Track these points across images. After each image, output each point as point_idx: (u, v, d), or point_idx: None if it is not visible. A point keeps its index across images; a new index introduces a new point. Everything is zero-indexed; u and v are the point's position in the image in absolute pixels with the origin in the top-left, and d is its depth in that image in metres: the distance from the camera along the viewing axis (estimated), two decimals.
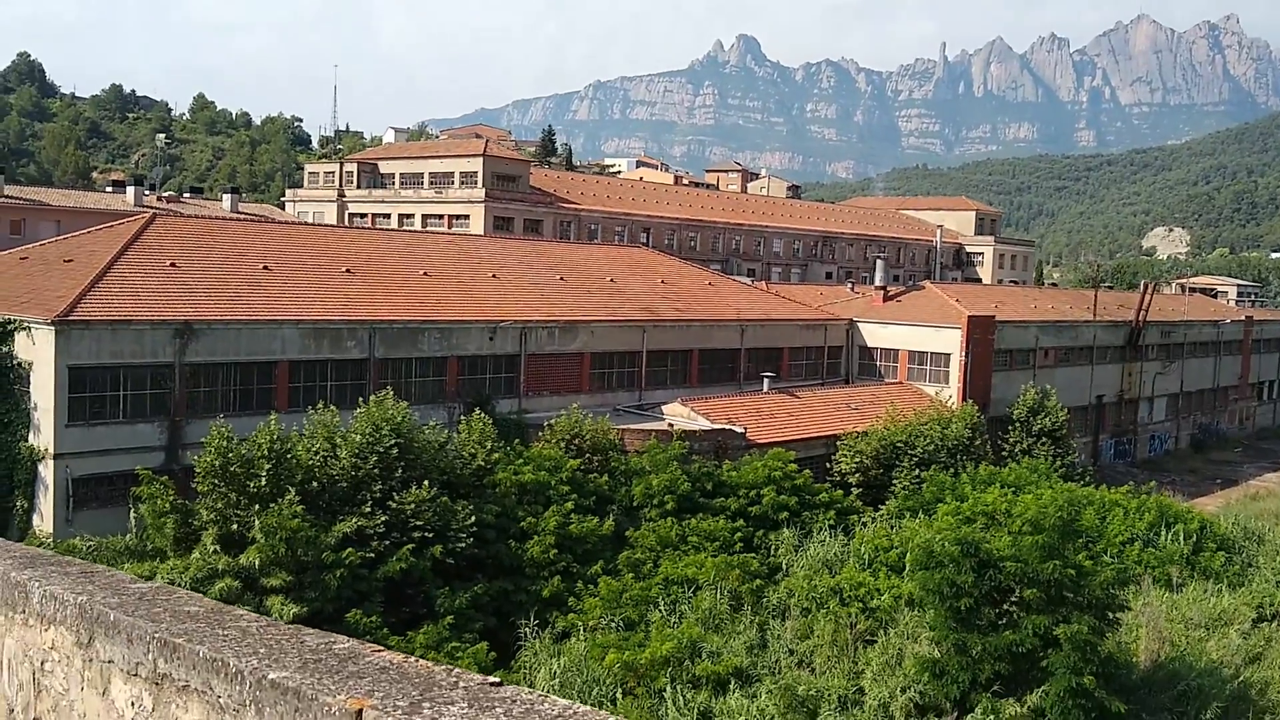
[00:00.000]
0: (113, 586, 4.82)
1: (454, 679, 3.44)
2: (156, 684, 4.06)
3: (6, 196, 69.33)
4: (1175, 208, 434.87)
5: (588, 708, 3.22)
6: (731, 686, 30.43)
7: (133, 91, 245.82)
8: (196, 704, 3.82)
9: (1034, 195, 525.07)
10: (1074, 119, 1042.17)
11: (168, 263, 42.19)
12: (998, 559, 28.93)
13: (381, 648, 4.07)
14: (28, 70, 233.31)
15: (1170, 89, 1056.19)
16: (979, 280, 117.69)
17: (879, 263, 73.65)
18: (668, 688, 30.08)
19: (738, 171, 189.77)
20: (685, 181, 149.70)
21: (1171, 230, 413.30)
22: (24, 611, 5.00)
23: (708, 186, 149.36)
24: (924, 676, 28.86)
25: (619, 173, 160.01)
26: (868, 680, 30.52)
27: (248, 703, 3.56)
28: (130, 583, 4.88)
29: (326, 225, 74.91)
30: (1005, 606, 29.40)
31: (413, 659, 3.68)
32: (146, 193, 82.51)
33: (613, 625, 34.28)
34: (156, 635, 4.05)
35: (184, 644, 3.88)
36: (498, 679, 3.36)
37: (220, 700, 3.68)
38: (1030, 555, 28.68)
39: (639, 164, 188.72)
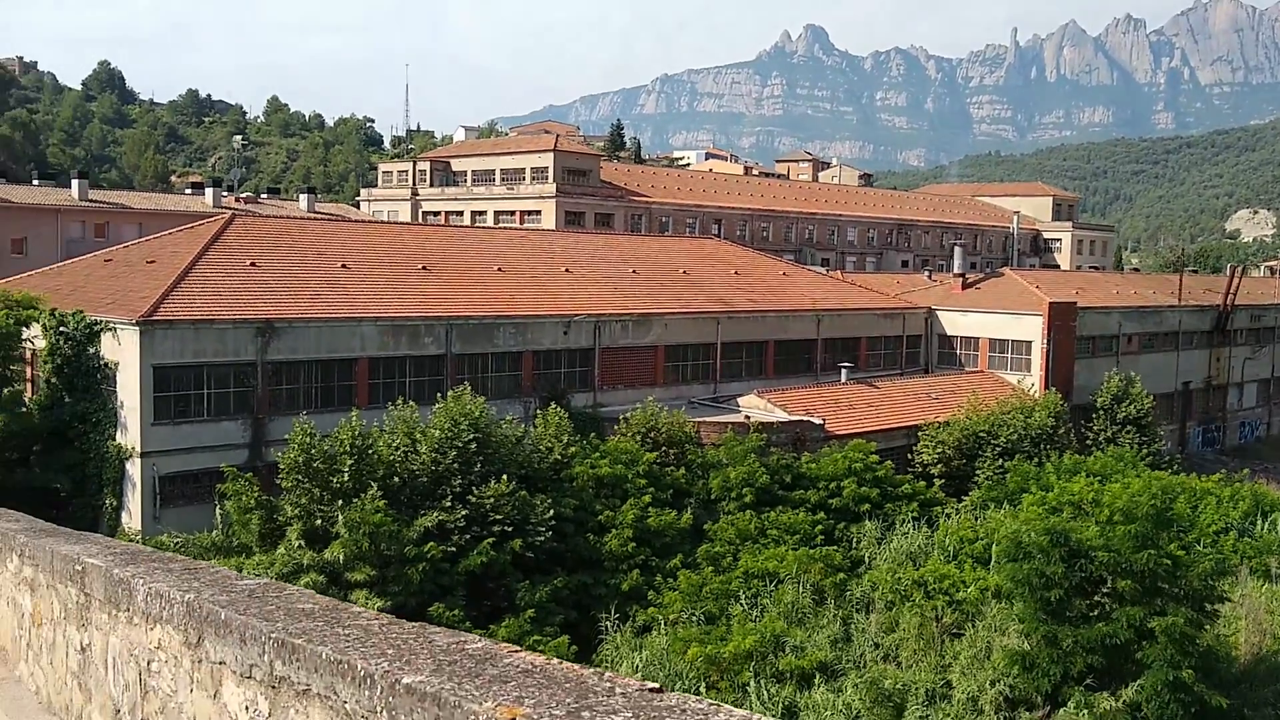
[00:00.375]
0: (219, 583, 4.67)
1: (608, 684, 3.18)
2: (273, 687, 3.86)
3: (91, 201, 70.86)
4: (1260, 189, 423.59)
5: (759, 716, 2.94)
6: (816, 681, 30.08)
7: (208, 96, 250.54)
8: (319, 710, 3.59)
9: (1110, 180, 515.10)
10: (1151, 101, 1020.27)
11: (248, 262, 42.71)
12: (1088, 549, 28.26)
13: (518, 648, 3.84)
14: (108, 79, 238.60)
15: (1253, 68, 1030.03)
16: (1057, 267, 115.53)
17: (957, 250, 72.53)
18: (751, 682, 29.82)
19: (808, 161, 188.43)
20: (755, 172, 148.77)
21: (1256, 212, 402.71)
22: (128, 610, 4.89)
23: (778, 177, 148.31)
24: (1014, 669, 28.28)
25: (688, 165, 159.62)
26: (955, 674, 29.98)
27: (379, 709, 3.28)
28: (237, 579, 4.73)
29: (402, 223, 75.52)
30: (1097, 598, 28.71)
31: (555, 661, 3.44)
32: (225, 194, 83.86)
33: (693, 619, 34.07)
34: (273, 635, 3.84)
35: (304, 645, 3.64)
36: (657, 685, 3.09)
37: (347, 706, 3.43)
38: (1123, 545, 27.95)
39: (708, 155, 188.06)
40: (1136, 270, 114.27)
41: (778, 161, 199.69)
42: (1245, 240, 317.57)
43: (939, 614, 32.76)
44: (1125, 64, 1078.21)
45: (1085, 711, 26.66)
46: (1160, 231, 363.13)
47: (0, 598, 8.07)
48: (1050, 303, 60.98)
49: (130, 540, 32.75)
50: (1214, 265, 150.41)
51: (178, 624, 4.36)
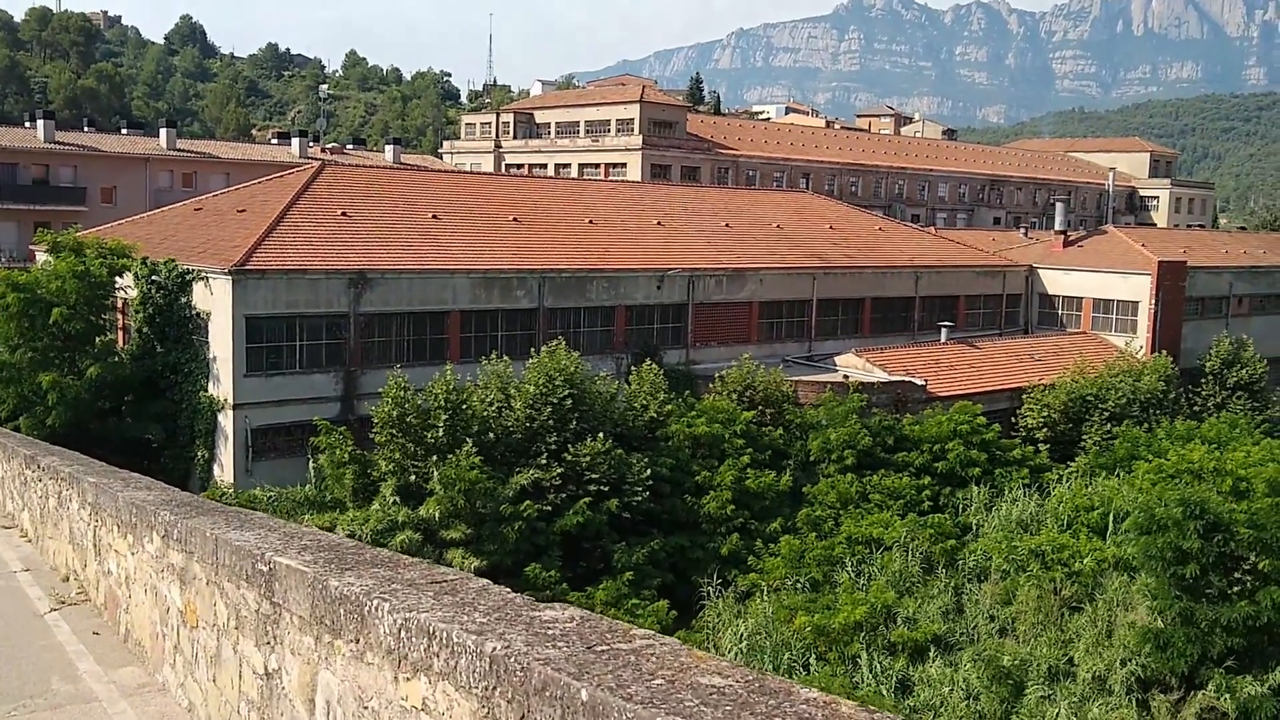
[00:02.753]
0: (521, 621, 3.19)
1: None
2: None
3: (178, 150, 70.74)
4: None
5: None
6: (930, 654, 28.74)
7: (287, 50, 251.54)
8: None
9: (1199, 138, 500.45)
10: (1243, 56, 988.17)
11: (338, 212, 41.88)
12: (1228, 523, 26.49)
13: (809, 689, 2.63)
14: (189, 32, 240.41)
15: None
16: (1153, 225, 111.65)
17: (1058, 206, 69.84)
18: (862, 654, 28.57)
19: (890, 116, 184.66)
20: (837, 127, 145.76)
21: None
22: (358, 642, 3.66)
23: (860, 131, 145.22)
24: (1146, 648, 26.69)
25: (768, 119, 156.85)
26: (1079, 651, 28.45)
27: None
28: (536, 611, 3.26)
29: (491, 174, 74.46)
30: (1237, 575, 26.97)
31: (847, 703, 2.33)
32: (311, 144, 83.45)
33: (796, 586, 32.85)
34: None
35: None
36: None
37: None
38: (1269, 520, 26.17)
39: (788, 110, 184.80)
40: (1243, 229, 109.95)
41: (858, 116, 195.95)
42: None
43: (1057, 586, 31.21)
44: (1216, 17, 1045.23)
45: (1228, 696, 25.04)
46: (1251, 191, 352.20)
47: (135, 583, 7.00)
48: (1160, 261, 58.40)
49: (222, 494, 32.24)
50: None
51: (470, 686, 3.01)
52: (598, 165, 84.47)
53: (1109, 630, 28.86)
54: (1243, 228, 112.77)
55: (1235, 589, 26.57)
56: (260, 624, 4.65)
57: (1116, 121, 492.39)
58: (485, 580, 3.68)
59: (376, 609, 3.51)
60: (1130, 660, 26.85)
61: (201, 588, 5.54)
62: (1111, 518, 35.32)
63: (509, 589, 3.57)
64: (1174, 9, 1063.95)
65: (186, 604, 5.78)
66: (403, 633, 3.35)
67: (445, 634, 3.14)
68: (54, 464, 9.95)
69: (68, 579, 9.39)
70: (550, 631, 2.96)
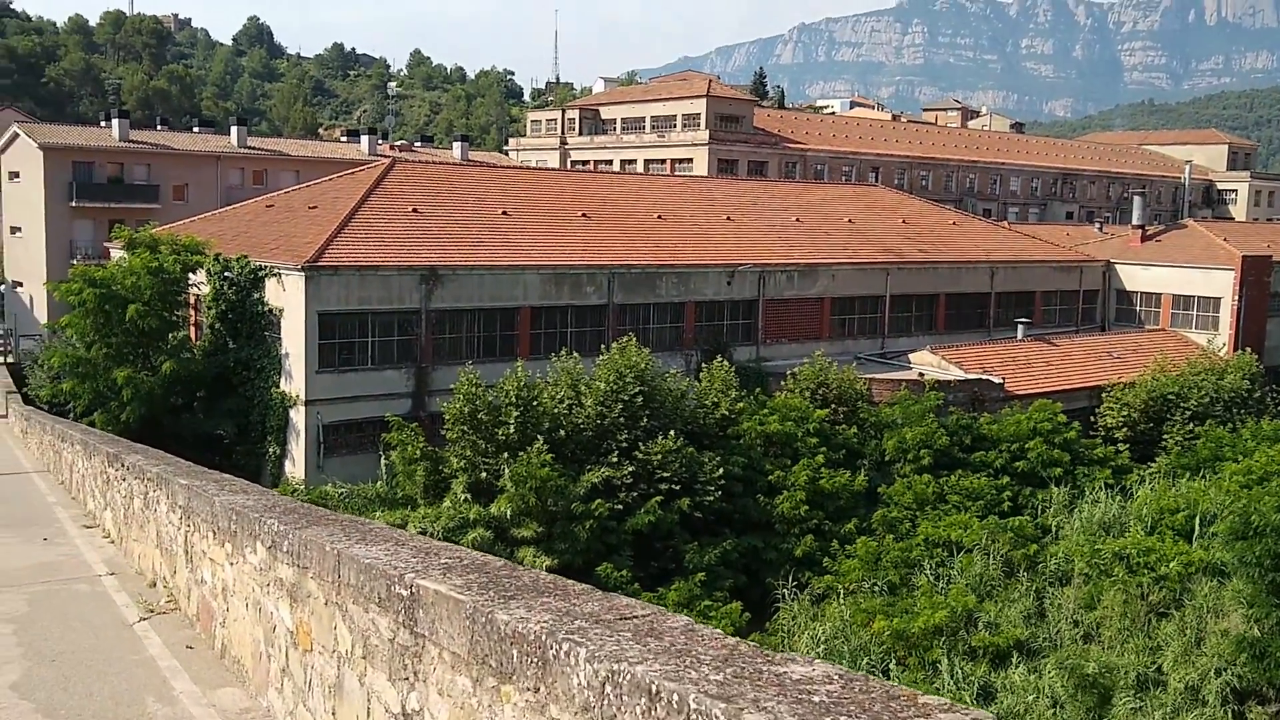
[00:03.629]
0: (770, 680, 2.65)
1: None
2: None
3: (249, 148, 71.28)
4: None
5: None
6: (1013, 660, 27.93)
7: (353, 49, 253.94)
8: None
9: (1275, 130, 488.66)
10: None
11: (409, 208, 41.79)
12: None
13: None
14: (257, 33, 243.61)
15: None
16: (1231, 219, 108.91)
17: (1136, 200, 68.09)
18: (943, 659, 27.84)
19: (957, 109, 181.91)
20: (904, 121, 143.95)
21: None
22: (539, 690, 3.13)
23: (927, 125, 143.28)
24: (1241, 657, 25.73)
25: (833, 113, 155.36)
26: (1168, 659, 27.51)
27: None
28: (772, 663, 2.67)
29: (560, 170, 74.23)
30: None
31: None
32: (379, 142, 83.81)
33: (874, 589, 32.14)
34: None
35: None
36: None
37: None
38: None
39: (853, 104, 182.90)
40: None
41: (924, 110, 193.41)
42: None
43: (1144, 591, 30.23)
44: None
45: None
46: None
47: (235, 596, 6.57)
48: (1244, 256, 56.72)
49: (294, 490, 32.22)
50: None
51: None
52: (664, 161, 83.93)
53: (1200, 638, 27.89)
54: None
55: None
56: (397, 656, 4.15)
57: (1188, 114, 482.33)
58: (686, 618, 3.19)
59: (568, 654, 2.96)
60: (1225, 670, 25.90)
61: (318, 608, 5.09)
62: (1198, 521, 34.25)
63: (706, 625, 3.07)
64: None
65: (299, 624, 5.35)
66: (608, 688, 2.77)
67: (677, 697, 2.52)
68: (139, 463, 9.58)
69: (155, 585, 9.04)
70: (814, 698, 2.39)
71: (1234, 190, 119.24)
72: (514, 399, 32.81)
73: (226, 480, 7.90)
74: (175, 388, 36.60)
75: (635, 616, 3.21)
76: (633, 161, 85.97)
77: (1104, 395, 47.04)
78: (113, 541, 11.16)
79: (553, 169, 74.06)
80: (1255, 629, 25.93)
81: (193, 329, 40.58)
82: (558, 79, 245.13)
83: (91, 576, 9.83)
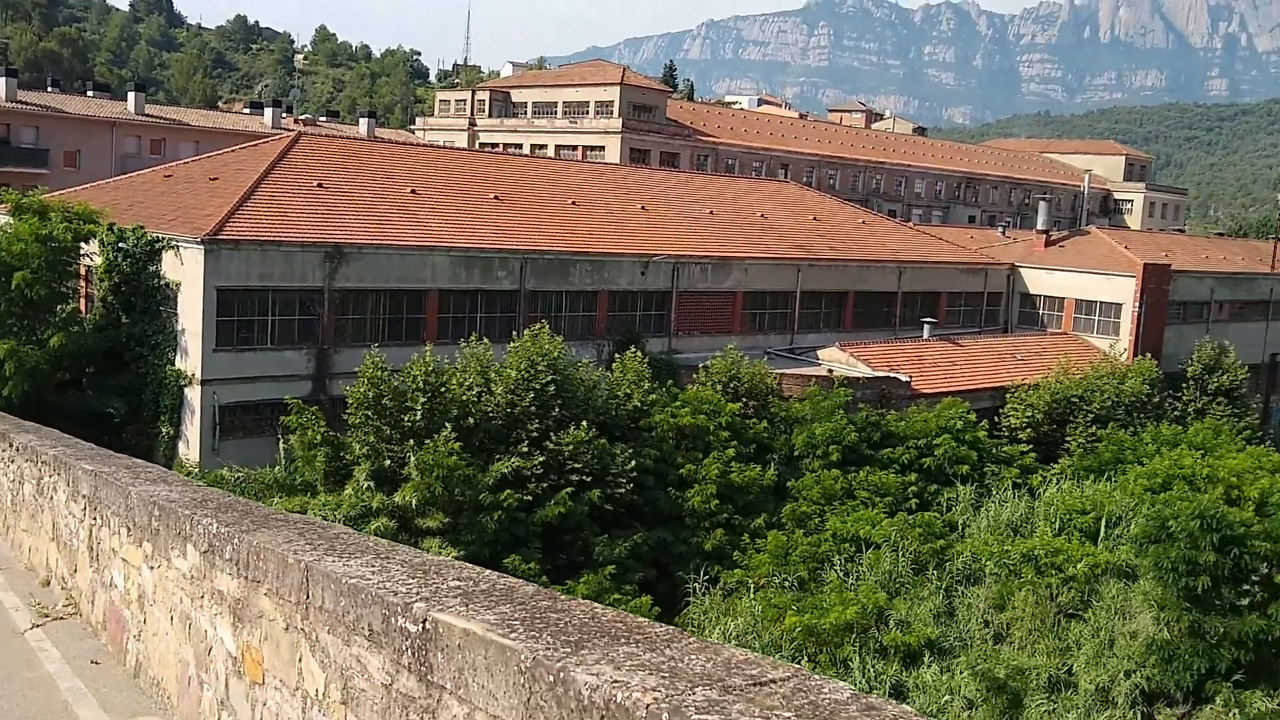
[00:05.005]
0: None
1: None
2: None
3: (147, 115, 68.41)
4: None
5: None
6: (925, 659, 27.78)
7: (256, 23, 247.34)
8: None
9: (1162, 145, 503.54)
10: (1206, 67, 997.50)
11: (314, 183, 40.28)
12: (1243, 536, 25.71)
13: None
14: (155, 1, 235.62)
15: None
16: (1126, 228, 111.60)
17: (1041, 205, 69.18)
18: (854, 657, 27.57)
19: (861, 112, 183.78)
20: (811, 120, 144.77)
21: None
22: None
23: (834, 125, 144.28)
24: (1151, 660, 25.88)
25: (743, 110, 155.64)
26: (1078, 661, 27.61)
27: None
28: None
29: (472, 150, 72.68)
30: (1246, 587, 26.21)
31: None
32: (284, 115, 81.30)
33: (784, 583, 31.81)
34: None
35: None
36: None
37: None
38: None
39: (761, 102, 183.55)
40: (1221, 235, 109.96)
41: (830, 111, 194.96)
42: None
43: (1053, 592, 30.35)
44: (1181, 27, 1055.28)
45: (1236, 711, 24.25)
46: (1211, 200, 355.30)
47: (155, 606, 5.51)
48: (1145, 264, 57.85)
49: (189, 473, 30.69)
50: (1273, 236, 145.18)
51: None
52: (575, 147, 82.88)
53: (1110, 640, 28.05)
54: (1221, 234, 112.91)
55: (1244, 601, 25.83)
56: (397, 708, 3.27)
57: (1082, 126, 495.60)
58: (848, 686, 2.43)
59: None
60: (1134, 672, 26.04)
61: (275, 632, 4.15)
62: (1104, 523, 34.62)
63: (872, 695, 2.31)
64: (1140, 17, 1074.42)
65: (245, 649, 4.41)
66: None
67: None
68: (32, 444, 8.37)
69: (49, 584, 7.90)
70: None
71: (1130, 200, 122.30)
72: (421, 384, 31.74)
73: (141, 467, 6.78)
74: (63, 363, 34.69)
75: (771, 680, 2.44)
76: (544, 147, 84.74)
77: (1008, 396, 47.51)
78: None
79: (466, 149, 72.56)
80: (1165, 632, 26.11)
81: (83, 301, 38.58)
82: (466, 60, 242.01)
83: None
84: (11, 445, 9.04)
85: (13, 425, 10.48)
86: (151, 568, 5.53)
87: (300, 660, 4.00)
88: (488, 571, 3.47)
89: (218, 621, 4.62)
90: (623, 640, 2.72)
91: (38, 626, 6.93)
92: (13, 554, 8.95)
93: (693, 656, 2.64)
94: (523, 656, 2.64)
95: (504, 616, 2.89)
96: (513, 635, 2.72)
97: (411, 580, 3.37)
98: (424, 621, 3.03)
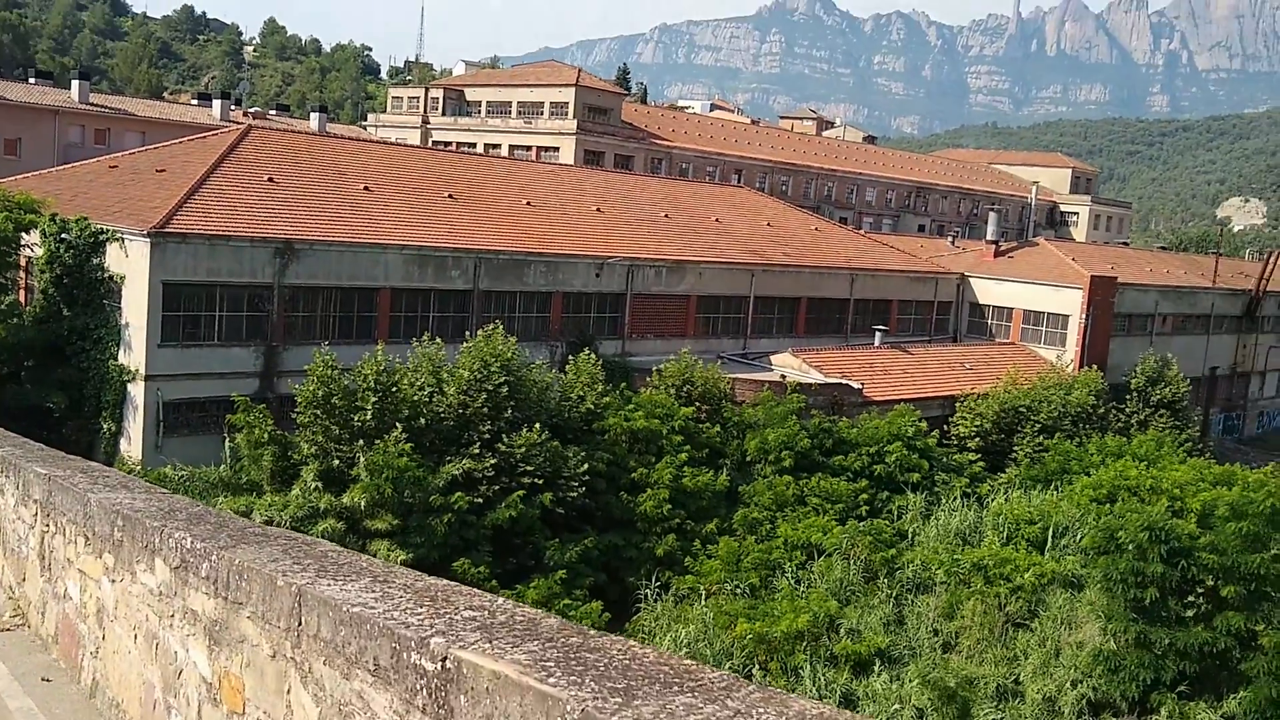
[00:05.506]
0: None
1: None
2: None
3: (91, 104, 67.02)
4: (1253, 178, 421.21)
5: None
6: (876, 668, 27.77)
7: (203, 14, 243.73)
8: None
9: (1105, 159, 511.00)
10: (1148, 83, 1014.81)
11: (265, 177, 39.61)
12: (1190, 548, 25.93)
13: None
14: None
15: (1250, 56, 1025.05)
16: (1072, 240, 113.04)
17: (991, 215, 69.78)
18: (805, 665, 27.50)
19: (813, 119, 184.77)
20: (763, 126, 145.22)
21: (1248, 200, 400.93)
22: None
23: (786, 132, 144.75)
24: (1097, 670, 26.04)
25: (696, 114, 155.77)
26: (1026, 670, 27.73)
27: None
28: None
29: (426, 148, 72.00)
30: (1191, 599, 26.45)
31: None
32: (233, 107, 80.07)
33: (735, 590, 31.71)
34: None
35: None
36: None
37: None
38: (1230, 545, 25.65)
39: (713, 107, 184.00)
40: (1164, 249, 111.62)
41: (781, 118, 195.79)
42: (1236, 228, 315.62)
43: (1001, 601, 30.48)
44: (1125, 43, 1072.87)
45: None
46: (1152, 214, 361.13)
47: (116, 622, 5.07)
48: (1092, 276, 58.48)
49: (130, 470, 29.98)
50: (1210, 250, 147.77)
51: None
52: (529, 148, 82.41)
53: (1057, 650, 28.20)
54: (1164, 248, 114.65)
55: (1190, 613, 26.07)
56: None
57: (1028, 138, 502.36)
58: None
59: None
60: (1081, 682, 26.19)
61: (259, 659, 3.84)
62: (1050, 532, 34.85)
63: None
64: (1085, 32, 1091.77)
65: (222, 675, 4.10)
66: None
67: None
68: None
69: None
70: None
71: (1076, 213, 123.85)
72: (372, 384, 31.28)
73: (99, 471, 6.36)
74: (1, 355, 33.80)
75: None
76: (497, 146, 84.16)
77: (957, 405, 47.76)
78: None
79: (420, 147, 71.87)
80: (1111, 642, 26.28)
81: (23, 293, 37.64)
82: (418, 58, 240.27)
83: None
84: None
85: None
86: (113, 581, 5.17)
87: (289, 692, 3.71)
88: (500, 600, 3.21)
89: (190, 644, 4.28)
90: (675, 687, 2.48)
91: None
92: None
93: (760, 710, 2.40)
94: (569, 708, 2.36)
95: (535, 656, 2.63)
96: (551, 680, 2.45)
97: (420, 609, 3.10)
98: (443, 659, 2.75)
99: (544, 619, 3.01)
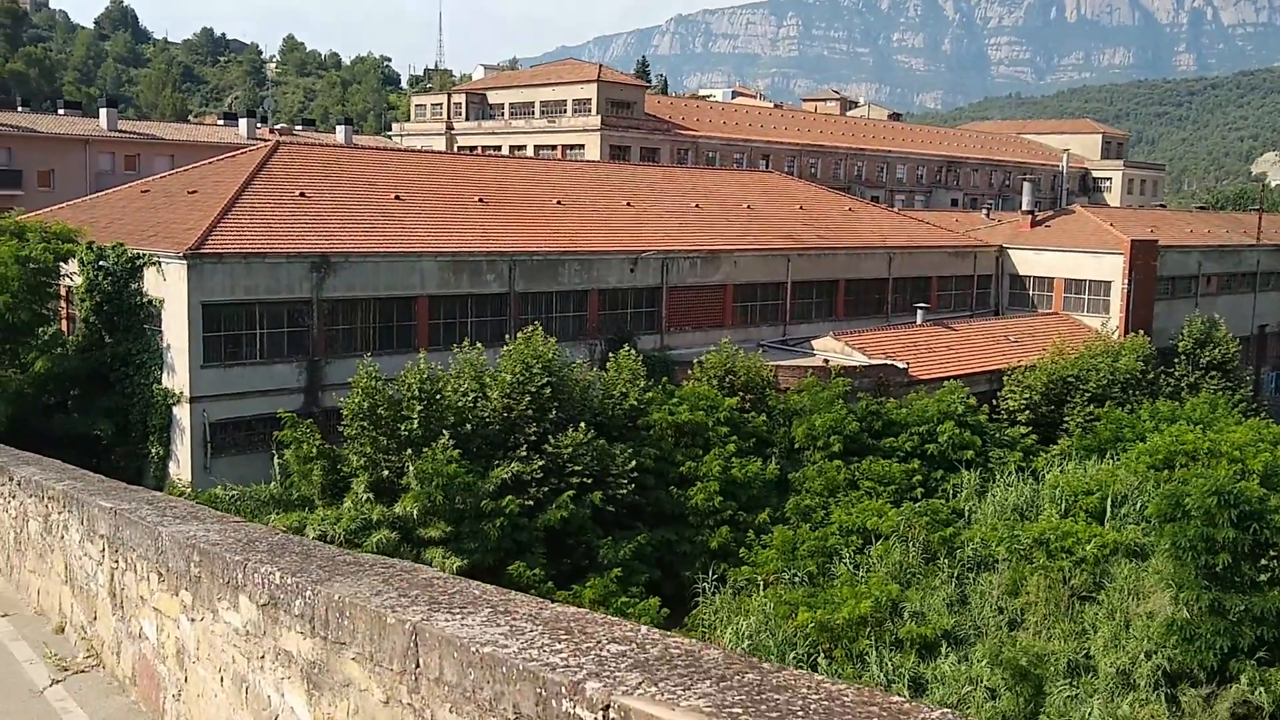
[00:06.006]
0: None
1: None
2: None
3: (120, 131, 67.40)
4: None
5: None
6: (943, 650, 27.31)
7: (223, 35, 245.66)
8: None
9: (1133, 122, 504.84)
10: (1173, 42, 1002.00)
11: (297, 192, 39.56)
12: (1258, 510, 25.31)
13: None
14: (120, 17, 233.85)
15: (1277, 7, 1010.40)
16: (1106, 206, 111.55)
17: (1026, 186, 68.88)
18: (871, 651, 27.08)
19: (835, 100, 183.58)
20: (787, 109, 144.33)
21: None
22: None
23: (810, 114, 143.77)
24: (1171, 640, 25.45)
25: (719, 102, 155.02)
26: (1096, 644, 27.18)
27: None
28: None
29: (453, 153, 71.88)
30: (1264, 562, 25.81)
31: None
32: (259, 125, 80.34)
33: (793, 579, 31.31)
34: None
35: None
36: None
37: None
38: None
39: (735, 94, 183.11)
40: (1204, 208, 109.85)
41: (804, 100, 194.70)
42: (1274, 183, 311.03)
43: (1065, 576, 29.93)
44: (1146, 4, 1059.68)
45: (1261, 689, 23.87)
46: (1184, 175, 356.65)
47: (200, 664, 4.65)
48: (1132, 241, 57.56)
49: (181, 493, 29.99)
50: (1250, 207, 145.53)
51: None
52: (554, 147, 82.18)
53: (1127, 621, 27.64)
54: (1203, 207, 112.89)
55: (1264, 577, 25.44)
56: None
57: (1053, 106, 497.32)
58: None
59: None
60: (1155, 653, 25.62)
61: (370, 707, 3.46)
62: (1109, 502, 34.25)
63: None
64: None
65: None
66: None
67: None
68: (35, 477, 7.63)
69: (64, 630, 7.20)
70: None
71: (1109, 178, 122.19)
72: (416, 392, 31.13)
73: (164, 501, 6.04)
74: (47, 386, 33.95)
75: None
76: (522, 147, 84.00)
77: (1005, 378, 47.12)
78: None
79: (447, 153, 71.76)
80: (1184, 611, 25.70)
81: (65, 323, 37.80)
82: (437, 65, 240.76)
83: None
84: (12, 479, 8.32)
85: (10, 458, 9.73)
86: (192, 620, 4.92)
87: None
88: (644, 628, 2.88)
89: (286, 688, 3.94)
90: None
91: (58, 683, 6.25)
92: (19, 597, 8.14)
93: None
94: None
95: (715, 701, 2.28)
96: None
97: (559, 645, 2.75)
98: (605, 708, 2.39)
99: (703, 650, 2.69)
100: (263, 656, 4.14)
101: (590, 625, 2.97)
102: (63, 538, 6.94)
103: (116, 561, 5.87)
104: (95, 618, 6.38)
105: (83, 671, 6.27)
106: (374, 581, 3.66)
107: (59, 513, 6.99)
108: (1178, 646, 25.14)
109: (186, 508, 5.77)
